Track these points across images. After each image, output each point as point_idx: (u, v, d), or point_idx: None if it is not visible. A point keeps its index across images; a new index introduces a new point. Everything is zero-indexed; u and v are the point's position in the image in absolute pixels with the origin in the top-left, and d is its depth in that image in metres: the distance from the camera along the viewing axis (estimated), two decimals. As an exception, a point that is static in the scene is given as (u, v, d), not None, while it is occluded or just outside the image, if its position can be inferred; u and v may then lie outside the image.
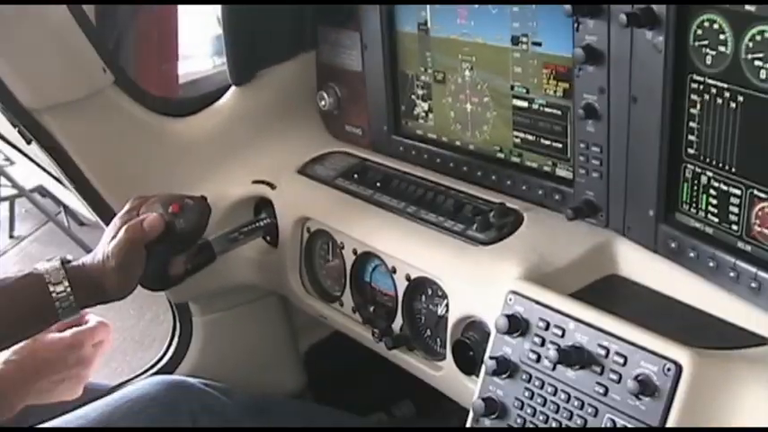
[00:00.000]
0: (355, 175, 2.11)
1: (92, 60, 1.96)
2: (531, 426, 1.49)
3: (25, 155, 2.48)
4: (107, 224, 1.91)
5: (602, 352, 1.39)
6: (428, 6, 1.91)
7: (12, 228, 6.73)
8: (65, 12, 1.86)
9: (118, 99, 2.05)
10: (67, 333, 1.97)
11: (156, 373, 2.43)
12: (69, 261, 1.74)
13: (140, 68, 2.71)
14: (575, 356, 1.42)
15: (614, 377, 1.37)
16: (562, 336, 1.46)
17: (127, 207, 1.83)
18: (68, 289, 1.67)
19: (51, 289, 1.67)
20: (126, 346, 4.92)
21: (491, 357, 1.54)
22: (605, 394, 1.38)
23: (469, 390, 1.68)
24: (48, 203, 6.43)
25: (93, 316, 2.03)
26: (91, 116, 2.00)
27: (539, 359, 1.48)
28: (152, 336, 5.00)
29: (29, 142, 2.03)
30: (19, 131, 2.01)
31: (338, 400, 2.46)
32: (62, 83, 1.93)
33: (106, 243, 1.76)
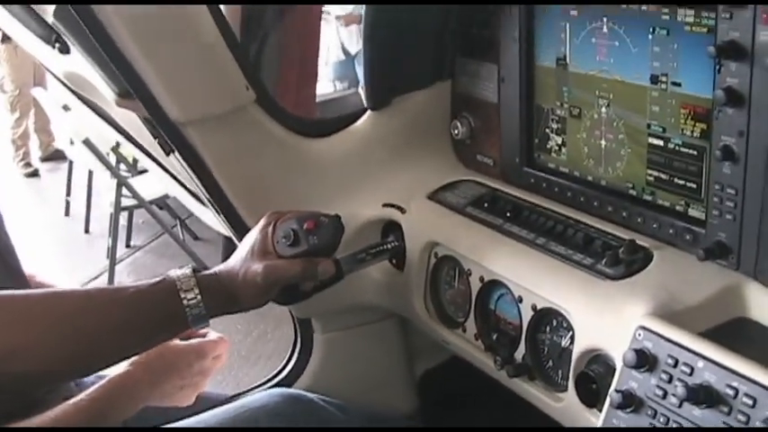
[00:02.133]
0: (485, 204, 2.14)
1: (236, 77, 2.01)
2: (655, 461, 1.50)
3: (160, 165, 2.58)
4: (240, 237, 1.97)
5: (731, 392, 1.39)
6: (568, 42, 1.94)
7: (129, 237, 6.93)
8: (214, 29, 1.91)
9: (258, 116, 2.10)
10: (194, 341, 2.04)
11: (274, 386, 2.48)
12: (200, 270, 1.78)
13: (281, 87, 2.78)
14: (702, 395, 1.42)
15: (742, 418, 1.37)
16: (690, 374, 1.46)
17: (263, 222, 1.88)
18: (198, 296, 1.70)
19: (182, 296, 1.70)
20: (232, 361, 5.01)
21: (617, 390, 1.54)
22: (732, 435, 1.38)
23: (590, 422, 1.69)
24: (165, 216, 6.61)
25: (211, 330, 2.09)
26: (231, 131, 2.05)
27: (665, 395, 1.49)
28: (258, 353, 5.09)
29: (168, 154, 2.10)
30: (159, 143, 2.09)
31: (450, 426, 2.48)
32: (207, 98, 1.99)
33: (247, 257, 1.81)
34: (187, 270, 1.75)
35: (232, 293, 1.77)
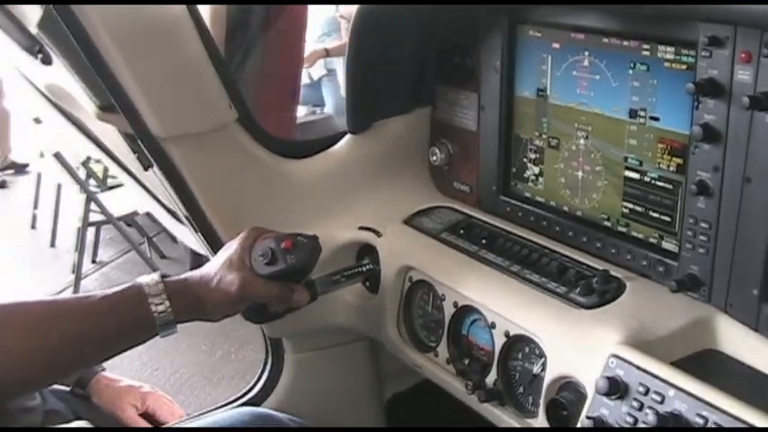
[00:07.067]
0: (461, 231, 2.16)
1: (219, 95, 2.01)
2: (624, 488, 1.52)
3: (136, 180, 2.58)
4: (215, 253, 1.98)
5: (701, 421, 1.42)
6: (549, 74, 1.97)
7: (95, 253, 6.89)
8: (199, 46, 1.91)
9: (239, 135, 2.10)
10: None
11: (243, 404, 2.47)
12: (168, 276, 1.79)
13: (262, 108, 2.79)
14: (672, 423, 1.44)
15: (711, 447, 1.40)
16: (661, 402, 1.48)
17: (244, 235, 1.89)
18: (166, 302, 1.71)
19: (150, 301, 1.71)
20: (195, 381, 4.99)
21: (588, 417, 1.57)
22: (701, 463, 1.40)
23: (559, 448, 1.72)
24: (132, 233, 6.59)
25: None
26: (212, 149, 2.05)
27: (636, 423, 1.51)
28: (221, 373, 5.06)
29: (146, 168, 2.10)
30: (138, 157, 2.09)
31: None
32: (190, 114, 1.98)
33: (225, 265, 1.82)
34: (155, 276, 1.75)
35: (200, 300, 1.78)
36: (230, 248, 1.86)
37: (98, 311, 1.69)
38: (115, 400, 2.40)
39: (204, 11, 1.94)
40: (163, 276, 1.76)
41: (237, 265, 1.82)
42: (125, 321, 1.72)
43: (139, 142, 1.98)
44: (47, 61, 2.05)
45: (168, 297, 1.72)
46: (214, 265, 1.83)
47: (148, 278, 1.74)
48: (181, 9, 1.86)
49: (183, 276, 1.81)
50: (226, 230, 2.11)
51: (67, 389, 2.42)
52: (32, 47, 2.07)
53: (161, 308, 1.71)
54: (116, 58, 1.80)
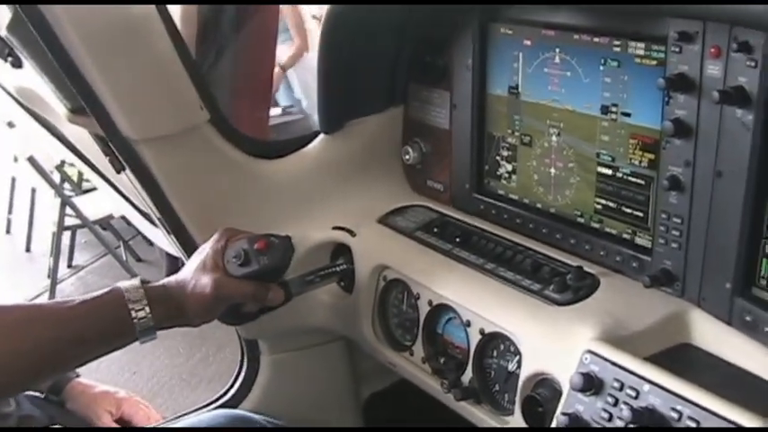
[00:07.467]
0: (435, 229, 2.17)
1: (191, 96, 1.99)
2: (600, 484, 1.52)
3: (110, 183, 2.56)
4: (189, 255, 1.97)
5: (675, 415, 1.42)
6: (520, 71, 1.97)
7: (71, 257, 6.86)
8: (170, 47, 1.90)
9: (211, 136, 2.08)
10: None
11: (220, 407, 2.46)
12: (148, 282, 1.78)
13: (235, 108, 2.79)
14: (647, 418, 1.45)
15: (686, 440, 1.40)
16: (636, 397, 1.49)
17: (216, 236, 1.89)
18: (147, 308, 1.71)
19: (131, 307, 1.70)
20: (173, 384, 4.98)
21: (563, 413, 1.57)
22: (676, 457, 1.41)
23: (535, 445, 1.72)
24: (108, 236, 6.56)
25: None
26: (184, 151, 2.04)
27: (611, 418, 1.51)
28: (199, 376, 5.05)
29: (119, 171, 2.09)
30: (110, 160, 2.08)
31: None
32: (161, 116, 1.97)
33: (198, 269, 1.82)
34: (135, 281, 1.75)
35: (180, 305, 1.78)
36: (203, 252, 1.86)
37: (76, 316, 1.68)
38: (90, 405, 2.39)
39: (174, 11, 1.92)
40: (143, 282, 1.76)
41: (210, 268, 1.82)
42: (103, 326, 1.71)
43: (111, 145, 1.97)
44: (17, 64, 2.04)
45: (149, 303, 1.72)
46: (188, 270, 1.83)
47: (129, 283, 1.74)
48: (150, 9, 1.84)
49: (162, 283, 1.81)
50: (199, 232, 2.11)
51: (41, 395, 2.40)
52: (2, 50, 2.05)
53: (141, 314, 1.71)
54: (85, 59, 1.78)
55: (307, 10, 6.34)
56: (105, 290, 1.73)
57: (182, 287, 1.80)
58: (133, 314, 1.70)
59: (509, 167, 2.09)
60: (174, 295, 1.78)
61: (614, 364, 1.55)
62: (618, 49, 1.74)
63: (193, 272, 1.82)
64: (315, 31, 6.78)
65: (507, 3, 1.96)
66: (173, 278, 1.83)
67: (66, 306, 1.70)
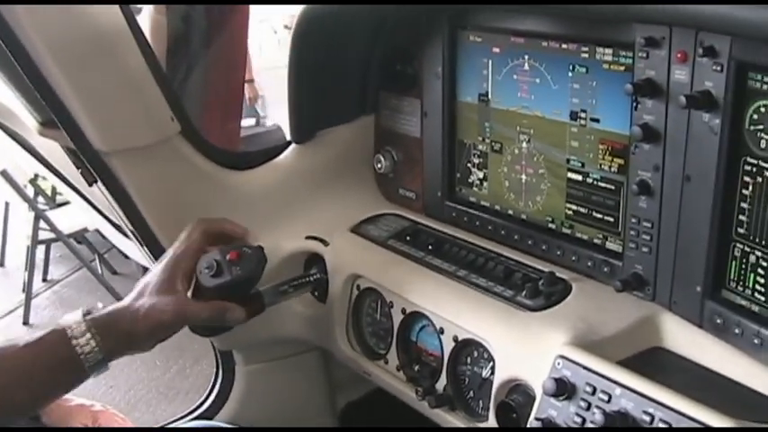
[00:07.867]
0: (408, 237, 2.17)
1: (161, 108, 1.99)
2: (574, 488, 1.52)
3: (83, 196, 2.55)
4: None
5: (647, 419, 1.43)
6: (490, 78, 1.98)
7: (46, 271, 6.82)
8: (140, 58, 1.90)
9: (182, 148, 2.08)
10: None
11: (196, 418, 2.46)
12: (90, 312, 1.69)
13: (206, 119, 2.78)
14: (619, 421, 1.45)
15: (658, 443, 1.40)
16: (608, 401, 1.49)
17: (184, 236, 1.87)
18: (92, 341, 1.63)
19: (74, 343, 1.62)
20: (150, 397, 4.96)
21: (537, 419, 1.57)
22: (648, 460, 1.41)
23: (510, 451, 1.72)
24: (83, 250, 6.52)
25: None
26: (155, 162, 2.03)
27: (584, 422, 1.52)
28: (176, 388, 5.04)
29: (90, 184, 2.08)
30: (82, 173, 2.06)
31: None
32: (132, 128, 1.96)
33: (150, 292, 1.75)
34: (78, 315, 1.67)
35: (130, 332, 1.70)
36: (151, 274, 1.80)
37: (23, 362, 1.61)
38: (66, 418, 2.37)
39: (144, 22, 1.92)
40: (87, 313, 1.68)
41: (167, 289, 1.76)
42: (52, 367, 1.64)
43: (82, 157, 1.96)
44: (-15, 77, 2.03)
45: (94, 336, 1.64)
46: (140, 292, 1.76)
47: (71, 318, 1.66)
48: (120, 20, 1.84)
49: (107, 311, 1.72)
50: (171, 244, 2.08)
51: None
52: (-29, 63, 2.04)
53: (87, 348, 1.63)
54: (54, 71, 1.78)
55: (279, 20, 6.37)
56: (48, 329, 1.65)
57: (132, 312, 1.72)
58: (78, 350, 1.62)
59: (480, 174, 2.09)
60: (121, 322, 1.70)
61: (586, 368, 1.55)
62: (586, 56, 1.75)
63: (147, 295, 1.74)
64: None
65: (471, 2, 1.97)
66: (121, 303, 1.75)
67: (11, 352, 1.62)
